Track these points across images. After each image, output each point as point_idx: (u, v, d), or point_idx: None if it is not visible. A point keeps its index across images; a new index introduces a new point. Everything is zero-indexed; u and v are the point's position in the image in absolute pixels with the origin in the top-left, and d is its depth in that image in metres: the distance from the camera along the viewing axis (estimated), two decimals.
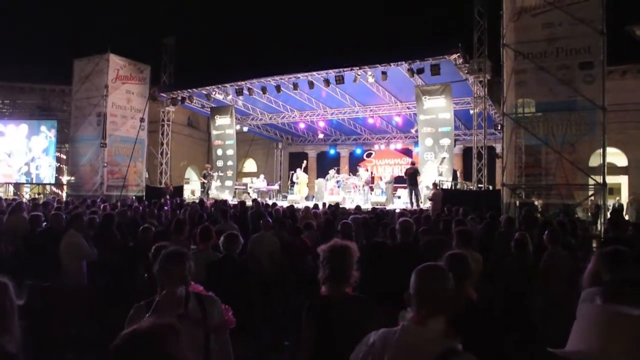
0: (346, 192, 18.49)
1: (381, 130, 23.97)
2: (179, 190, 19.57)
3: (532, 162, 11.22)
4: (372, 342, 1.73)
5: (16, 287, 1.88)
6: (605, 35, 10.31)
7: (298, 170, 20.28)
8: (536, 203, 11.25)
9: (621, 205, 17.50)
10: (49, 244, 5.49)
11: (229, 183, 20.28)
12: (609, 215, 9.94)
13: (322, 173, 22.85)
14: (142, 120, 19.30)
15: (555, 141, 10.75)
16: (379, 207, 13.59)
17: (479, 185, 14.86)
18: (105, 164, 18.34)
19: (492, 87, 14.70)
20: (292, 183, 20.81)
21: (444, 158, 15.06)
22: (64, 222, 6.07)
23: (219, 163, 20.62)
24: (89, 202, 11.28)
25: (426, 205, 13.70)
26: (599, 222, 10.49)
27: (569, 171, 10.57)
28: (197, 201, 13.33)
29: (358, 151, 25.53)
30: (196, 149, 28.80)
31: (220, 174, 20.17)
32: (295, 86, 16.54)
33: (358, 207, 11.32)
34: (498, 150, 15.44)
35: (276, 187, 21.61)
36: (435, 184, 13.22)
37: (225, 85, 17.83)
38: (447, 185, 14.49)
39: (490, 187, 16.02)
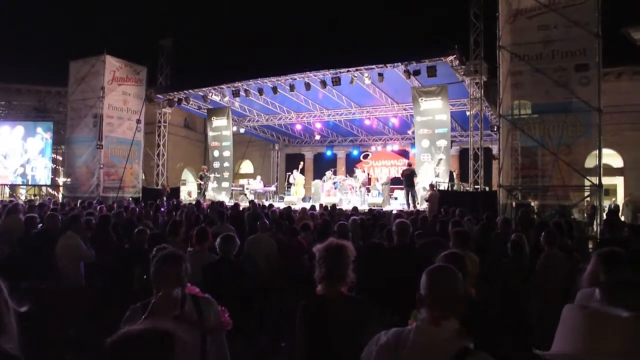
0: (343, 193, 18.50)
1: (378, 132, 24.00)
2: (176, 191, 19.53)
3: (529, 164, 11.25)
4: (385, 341, 1.73)
5: (11, 289, 1.88)
6: (600, 38, 10.35)
7: (295, 171, 20.26)
8: (532, 204, 11.28)
9: (617, 206, 17.55)
10: (45, 246, 5.47)
11: (225, 184, 20.27)
12: (605, 217, 9.97)
13: (318, 174, 22.87)
14: (138, 121, 19.25)
15: (551, 143, 10.78)
16: (375, 208, 13.60)
17: (476, 187, 14.89)
18: (102, 166, 18.29)
19: (488, 88, 14.73)
20: (289, 184, 20.79)
21: (440, 159, 15.09)
22: (60, 224, 6.05)
23: (216, 164, 20.61)
24: (85, 203, 11.25)
25: (423, 206, 13.72)
26: (595, 223, 10.52)
27: (565, 172, 10.60)
28: (193, 203, 13.31)
29: (355, 152, 25.56)
30: (193, 151, 28.76)
31: (217, 175, 20.15)
32: (292, 87, 16.55)
33: (355, 209, 11.33)
34: (494, 151, 15.48)
35: (273, 188, 21.61)
36: (431, 185, 13.24)
37: (222, 86, 17.84)
38: (443, 186, 14.52)
39: (487, 189, 16.06)
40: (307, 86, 16.08)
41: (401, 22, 34.64)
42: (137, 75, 19.86)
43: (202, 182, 19.31)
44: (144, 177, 20.98)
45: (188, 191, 24.71)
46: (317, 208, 11.59)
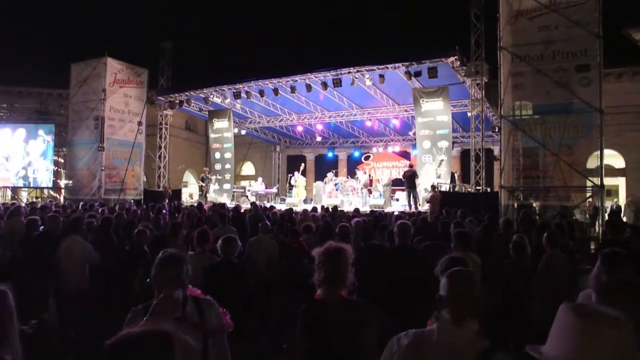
0: (344, 194, 18.51)
1: (379, 133, 23.99)
2: (178, 193, 19.57)
3: (530, 165, 11.24)
4: (407, 343, 1.78)
5: (15, 293, 1.88)
6: (601, 38, 10.35)
7: (296, 173, 20.27)
8: (534, 205, 11.27)
9: (619, 207, 17.49)
10: (46, 247, 5.48)
11: (227, 186, 20.28)
12: (606, 217, 9.95)
13: (320, 176, 22.89)
14: (139, 123, 19.27)
15: (552, 143, 10.76)
16: (377, 209, 13.59)
17: (477, 188, 14.89)
18: (103, 168, 18.32)
19: (489, 89, 14.74)
20: (290, 186, 20.80)
21: (442, 160, 15.08)
22: (61, 225, 6.07)
23: (217, 166, 20.63)
24: (87, 205, 11.26)
25: (424, 207, 13.71)
26: (596, 224, 10.51)
27: (567, 173, 10.59)
28: (195, 205, 13.31)
29: (356, 154, 25.57)
30: (194, 153, 28.79)
31: (219, 177, 20.17)
32: (293, 89, 16.57)
33: (357, 210, 11.32)
34: (496, 152, 15.46)
35: (274, 190, 21.62)
36: (433, 187, 13.23)
37: (223, 88, 17.86)
38: (445, 187, 14.50)
39: (488, 190, 16.07)
40: (308, 87, 16.08)
41: (401, 23, 34.67)
42: (139, 77, 19.90)
43: (203, 184, 19.32)
44: (145, 179, 21.00)
45: (189, 193, 24.71)
46: (319, 210, 11.58)
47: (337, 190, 19.14)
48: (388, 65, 14.45)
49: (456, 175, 17.99)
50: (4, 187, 21.65)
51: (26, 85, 23.66)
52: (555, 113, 10.82)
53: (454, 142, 18.00)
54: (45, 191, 22.10)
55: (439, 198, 12.28)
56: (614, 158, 19.90)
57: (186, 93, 19.04)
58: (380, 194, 17.90)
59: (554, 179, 10.80)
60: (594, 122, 10.41)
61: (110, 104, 18.65)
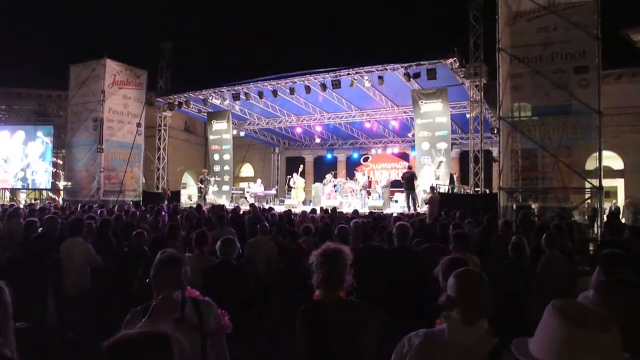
0: (343, 196, 18.50)
1: (378, 135, 24.01)
2: (177, 195, 19.56)
3: (529, 166, 11.24)
4: (418, 343, 1.80)
5: (13, 294, 1.88)
6: (600, 40, 10.36)
7: (295, 174, 20.26)
8: (533, 206, 11.27)
9: (617, 209, 17.55)
10: (44, 249, 5.47)
11: (226, 188, 20.28)
12: (605, 219, 9.96)
13: (319, 177, 22.87)
14: (138, 125, 19.25)
15: (551, 145, 10.77)
16: (376, 211, 13.59)
17: (476, 189, 14.89)
18: (102, 169, 18.28)
19: (488, 91, 14.75)
20: (289, 188, 20.79)
21: (440, 162, 15.08)
22: (59, 227, 6.06)
23: (216, 168, 20.63)
24: (85, 207, 11.25)
25: (423, 209, 13.71)
26: (595, 225, 10.51)
27: (566, 174, 10.59)
28: (194, 206, 13.31)
29: (355, 155, 25.60)
30: (193, 154, 28.78)
31: (217, 178, 20.17)
32: (292, 91, 16.58)
33: (356, 212, 11.32)
34: (495, 153, 15.48)
35: (273, 191, 21.62)
36: (432, 188, 13.23)
37: (222, 89, 17.87)
38: (444, 189, 14.51)
39: (487, 191, 16.07)
40: (307, 89, 16.08)
41: (401, 24, 34.74)
42: (138, 78, 19.87)
43: (202, 186, 19.32)
44: (144, 181, 20.97)
45: (188, 195, 24.71)
46: (318, 211, 11.58)
47: (336, 191, 19.14)
48: (387, 67, 14.47)
49: (455, 177, 18.00)
50: (2, 188, 21.63)
51: (25, 87, 23.65)
52: (554, 114, 10.83)
53: (452, 144, 18.03)
54: (44, 193, 22.07)
55: (437, 199, 12.28)
56: (612, 159, 19.94)
57: (185, 94, 19.04)
58: (379, 196, 17.89)
59: (553, 180, 10.81)
60: (592, 123, 10.42)
61: (109, 105, 18.62)
